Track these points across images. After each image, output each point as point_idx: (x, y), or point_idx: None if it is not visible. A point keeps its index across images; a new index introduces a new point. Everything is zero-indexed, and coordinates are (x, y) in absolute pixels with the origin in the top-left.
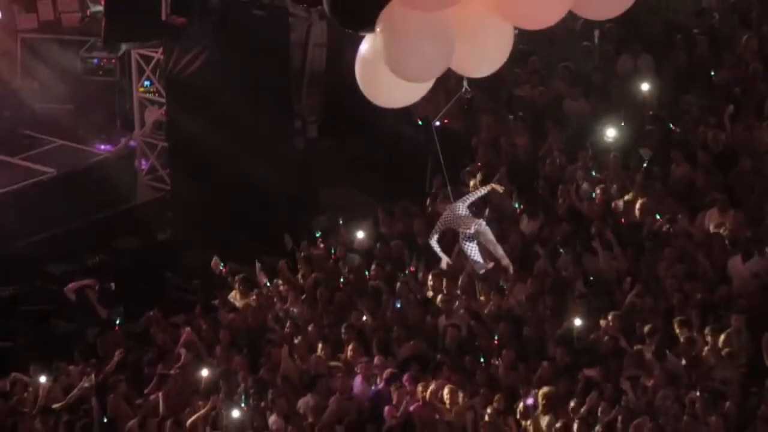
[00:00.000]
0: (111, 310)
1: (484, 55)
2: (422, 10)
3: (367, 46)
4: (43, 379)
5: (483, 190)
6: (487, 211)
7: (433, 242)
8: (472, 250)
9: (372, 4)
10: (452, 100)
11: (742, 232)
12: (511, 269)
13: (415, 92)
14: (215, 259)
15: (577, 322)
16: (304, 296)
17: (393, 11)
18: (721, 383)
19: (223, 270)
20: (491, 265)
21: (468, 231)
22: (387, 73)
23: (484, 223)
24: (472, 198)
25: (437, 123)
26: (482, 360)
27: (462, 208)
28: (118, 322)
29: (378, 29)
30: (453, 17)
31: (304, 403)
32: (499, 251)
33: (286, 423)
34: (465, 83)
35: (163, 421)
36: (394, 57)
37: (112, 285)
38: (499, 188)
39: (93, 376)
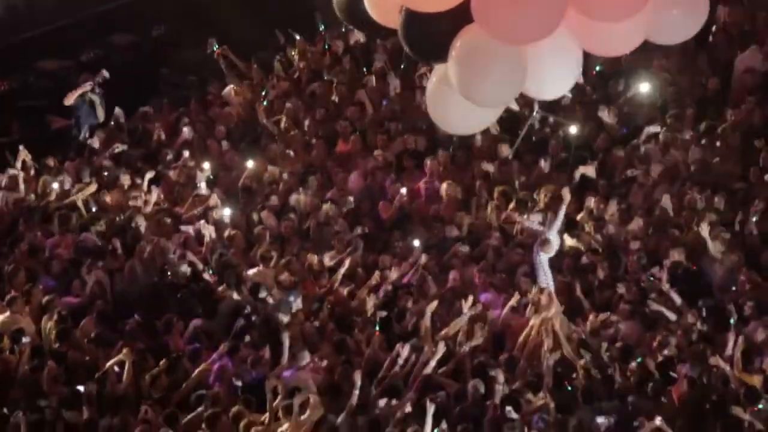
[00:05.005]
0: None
1: (554, 78)
2: (512, 43)
3: (437, 76)
4: (50, 181)
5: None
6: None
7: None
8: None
9: (444, 35)
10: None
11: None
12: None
13: (488, 118)
14: (211, 40)
15: (573, 129)
16: (299, 92)
17: (466, 39)
18: (718, 178)
19: (217, 52)
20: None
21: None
22: (460, 101)
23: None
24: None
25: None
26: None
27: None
28: (113, 119)
29: (451, 57)
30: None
31: (295, 199)
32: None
33: (278, 220)
34: (536, 107)
35: (160, 213)
36: (468, 83)
37: (105, 72)
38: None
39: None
